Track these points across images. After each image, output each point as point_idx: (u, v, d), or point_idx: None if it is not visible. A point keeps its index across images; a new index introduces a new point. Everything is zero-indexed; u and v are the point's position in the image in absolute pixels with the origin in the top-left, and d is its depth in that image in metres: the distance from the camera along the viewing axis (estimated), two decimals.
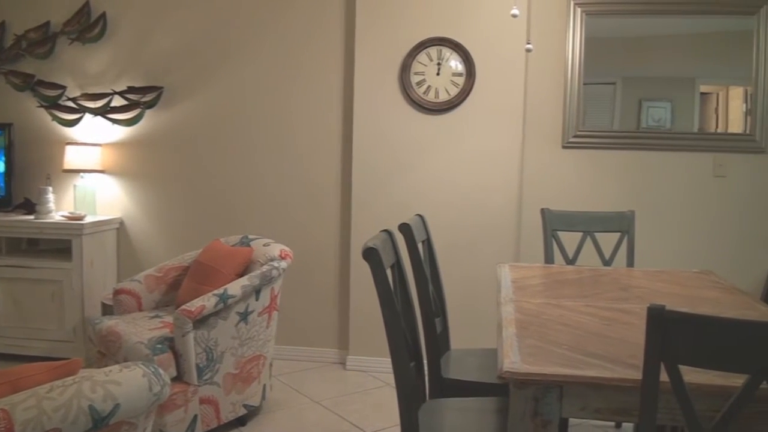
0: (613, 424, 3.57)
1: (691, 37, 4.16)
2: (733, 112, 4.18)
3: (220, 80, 4.48)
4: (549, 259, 3.52)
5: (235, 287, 3.19)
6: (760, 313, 2.42)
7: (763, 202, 4.15)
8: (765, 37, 4.05)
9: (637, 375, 1.45)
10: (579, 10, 4.11)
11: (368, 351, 4.27)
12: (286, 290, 4.19)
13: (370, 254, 2.07)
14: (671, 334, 1.36)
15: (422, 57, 4.14)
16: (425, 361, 2.57)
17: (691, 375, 1.58)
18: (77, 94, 4.60)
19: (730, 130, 4.18)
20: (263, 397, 3.54)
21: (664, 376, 1.40)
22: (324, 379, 4.17)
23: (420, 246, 2.83)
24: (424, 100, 4.15)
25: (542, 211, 3.60)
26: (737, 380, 1.41)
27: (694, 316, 1.37)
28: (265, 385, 3.53)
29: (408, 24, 4.15)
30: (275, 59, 4.40)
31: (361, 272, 4.12)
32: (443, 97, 4.14)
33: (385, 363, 2.10)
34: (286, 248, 3.57)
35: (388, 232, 2.41)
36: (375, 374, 4.21)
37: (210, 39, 4.47)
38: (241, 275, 3.41)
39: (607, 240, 3.59)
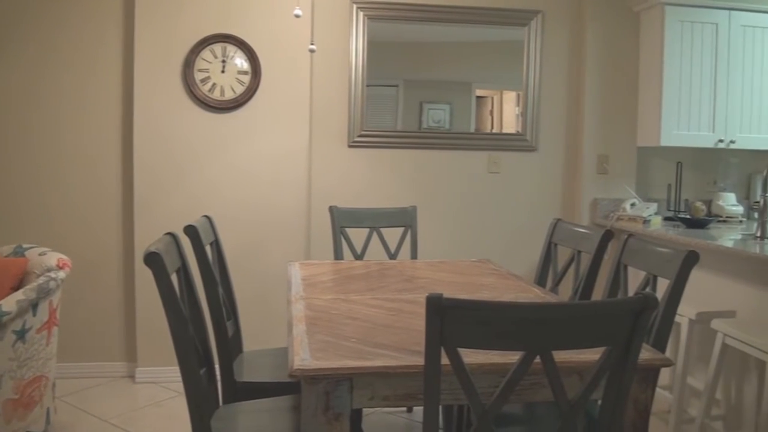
0: (405, 408, 3.71)
1: (467, 44, 4.42)
2: (506, 114, 4.51)
3: None
4: (338, 255, 3.59)
5: (9, 303, 2.90)
6: (534, 295, 2.64)
7: (534, 195, 4.52)
8: (535, 47, 4.43)
9: (421, 361, 1.50)
10: (361, 14, 4.22)
11: (159, 361, 4.08)
12: (66, 303, 3.88)
13: (152, 259, 1.98)
14: (449, 320, 1.43)
15: (206, 54, 4.04)
16: (217, 366, 2.51)
17: (472, 356, 1.68)
18: None
19: (504, 131, 4.50)
20: (47, 422, 3.25)
21: (446, 360, 1.46)
22: (113, 395, 3.93)
23: (208, 248, 2.76)
24: (209, 98, 4.05)
25: (330, 208, 3.66)
26: (513, 357, 1.50)
27: (469, 302, 1.44)
28: (48, 408, 3.25)
29: (191, 18, 4.02)
30: (47, 54, 4.05)
31: (147, 279, 3.92)
32: (229, 95, 4.07)
33: (178, 372, 2.02)
34: (64, 257, 3.32)
35: (172, 235, 2.33)
36: (167, 385, 4.04)
37: None
38: (16, 289, 3.12)
39: (392, 234, 3.72)
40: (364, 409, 3.40)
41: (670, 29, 4.25)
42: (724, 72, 4.33)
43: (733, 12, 4.31)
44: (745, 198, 4.76)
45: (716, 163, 4.71)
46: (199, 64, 4.03)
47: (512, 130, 4.49)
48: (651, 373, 1.88)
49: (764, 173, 3.78)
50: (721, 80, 4.33)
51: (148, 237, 3.93)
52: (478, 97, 4.50)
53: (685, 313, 3.30)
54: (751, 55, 4.37)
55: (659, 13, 4.27)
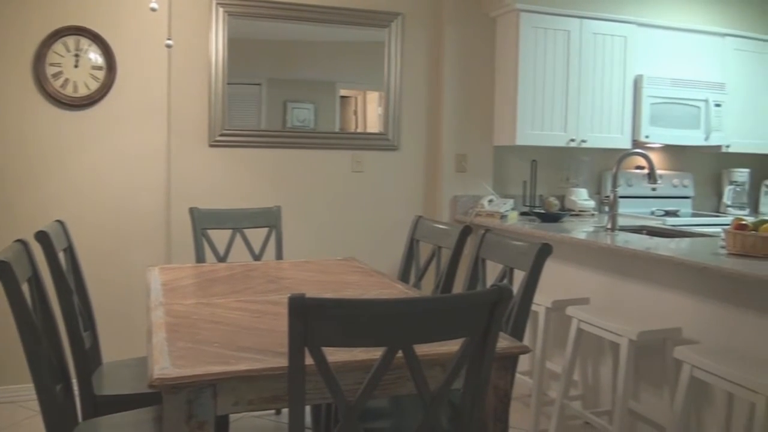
0: (273, 411, 3.68)
1: (331, 44, 4.43)
2: (370, 114, 4.56)
3: None
4: (200, 258, 3.50)
5: None
6: (397, 291, 2.68)
7: (396, 194, 4.60)
8: (395, 49, 4.51)
9: (286, 362, 1.49)
10: (221, 10, 4.13)
11: (15, 378, 3.81)
12: None
13: (1, 269, 1.86)
14: (312, 319, 1.42)
15: (58, 47, 3.82)
16: (75, 381, 2.39)
17: (337, 354, 1.69)
18: None
19: (368, 130, 4.55)
20: None
21: (311, 360, 1.46)
22: None
23: (61, 255, 2.62)
24: (62, 94, 3.84)
25: (191, 210, 3.56)
26: (377, 353, 1.52)
27: (331, 301, 1.45)
28: None
29: (42, 9, 3.78)
30: None
31: None
32: (83, 91, 3.88)
33: None
34: None
35: (22, 242, 2.19)
36: (25, 403, 3.78)
37: None
38: None
39: (257, 235, 3.67)
40: (232, 415, 3.34)
41: (525, 35, 4.45)
42: (576, 76, 4.59)
43: (584, 20, 4.58)
44: (597, 193, 5.07)
45: (569, 161, 4.98)
46: (51, 57, 3.81)
47: (375, 130, 4.55)
48: (510, 361, 1.96)
49: (613, 170, 4.03)
50: (573, 84, 4.58)
51: None
52: (343, 97, 4.52)
53: (542, 302, 3.47)
54: (602, 61, 4.66)
55: (514, 19, 4.45)
